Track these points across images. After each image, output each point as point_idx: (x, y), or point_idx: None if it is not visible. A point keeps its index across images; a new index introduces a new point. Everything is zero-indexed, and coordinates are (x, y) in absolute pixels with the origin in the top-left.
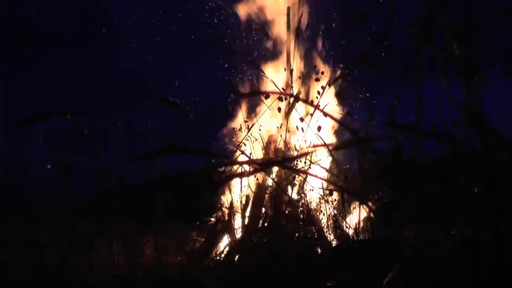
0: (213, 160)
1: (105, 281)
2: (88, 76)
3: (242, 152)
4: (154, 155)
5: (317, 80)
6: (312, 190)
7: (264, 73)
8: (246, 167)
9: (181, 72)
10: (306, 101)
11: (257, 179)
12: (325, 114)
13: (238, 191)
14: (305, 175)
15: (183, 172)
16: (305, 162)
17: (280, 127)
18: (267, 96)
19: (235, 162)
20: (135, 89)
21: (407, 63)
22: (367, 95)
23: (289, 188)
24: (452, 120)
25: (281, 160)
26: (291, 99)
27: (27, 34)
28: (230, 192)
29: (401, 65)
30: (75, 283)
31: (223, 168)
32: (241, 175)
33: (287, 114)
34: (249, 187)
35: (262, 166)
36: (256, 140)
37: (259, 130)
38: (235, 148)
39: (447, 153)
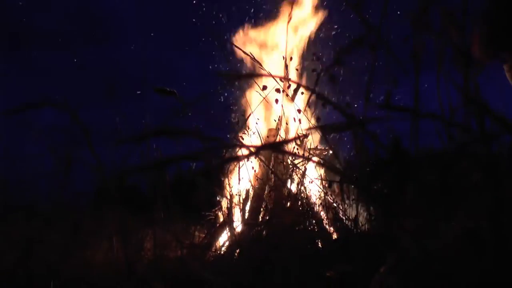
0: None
1: (105, 275)
2: (84, 70)
3: (240, 143)
4: (147, 137)
5: (314, 70)
6: (312, 182)
7: (260, 64)
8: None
9: (176, 64)
10: (307, 87)
11: (255, 171)
12: (322, 100)
13: (238, 185)
14: (303, 164)
15: (177, 155)
16: (303, 154)
17: (279, 119)
18: (264, 88)
19: (230, 145)
20: (129, 82)
21: (405, 50)
22: (365, 78)
23: (289, 181)
24: (450, 107)
25: (277, 143)
26: (291, 86)
27: (23, 29)
28: (230, 185)
29: (399, 52)
30: (75, 277)
31: (219, 152)
32: (237, 158)
33: (292, 99)
34: (249, 180)
35: (257, 149)
36: (254, 133)
37: (256, 123)
38: (232, 138)
39: (446, 142)
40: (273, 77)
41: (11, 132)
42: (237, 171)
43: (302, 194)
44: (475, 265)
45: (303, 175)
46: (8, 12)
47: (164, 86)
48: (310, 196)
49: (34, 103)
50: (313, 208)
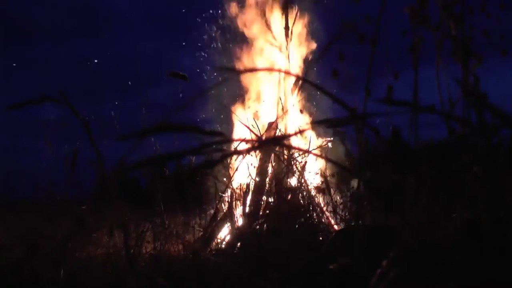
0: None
1: (105, 269)
2: (82, 66)
3: (241, 137)
4: (148, 133)
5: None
6: (312, 174)
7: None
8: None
9: (175, 59)
10: (308, 80)
11: (254, 167)
12: (324, 93)
13: (239, 179)
14: (303, 157)
15: (178, 151)
16: (303, 154)
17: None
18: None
19: (231, 140)
20: (127, 78)
21: (404, 44)
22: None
23: (289, 174)
24: (449, 100)
25: (278, 137)
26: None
27: (21, 24)
28: (231, 179)
29: (398, 46)
30: (77, 272)
31: (220, 146)
32: (239, 152)
33: (292, 93)
34: (250, 174)
35: (259, 143)
36: (254, 127)
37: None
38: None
39: (446, 135)
40: (273, 70)
41: (13, 127)
42: (238, 165)
43: (303, 187)
44: (475, 257)
45: (303, 168)
46: (6, 7)
47: (177, 71)
48: (311, 189)
49: (34, 99)
50: (314, 201)
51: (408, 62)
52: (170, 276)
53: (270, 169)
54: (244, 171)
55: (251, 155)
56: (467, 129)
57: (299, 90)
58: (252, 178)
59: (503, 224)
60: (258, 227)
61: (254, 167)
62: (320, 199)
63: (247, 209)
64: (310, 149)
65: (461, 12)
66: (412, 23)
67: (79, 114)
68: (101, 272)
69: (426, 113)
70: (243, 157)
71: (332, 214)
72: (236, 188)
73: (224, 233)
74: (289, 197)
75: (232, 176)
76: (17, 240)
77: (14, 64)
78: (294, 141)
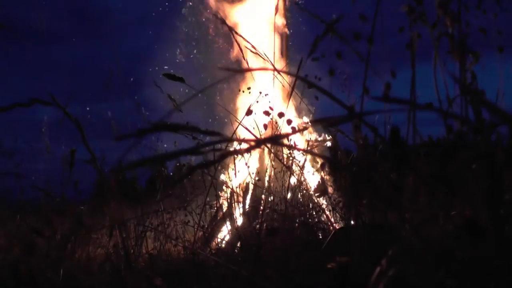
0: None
1: (104, 269)
2: (74, 68)
3: (240, 136)
4: (145, 133)
5: (316, 59)
6: (313, 174)
7: (262, 54)
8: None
9: (168, 59)
10: (304, 79)
11: (248, 167)
12: (323, 92)
13: (238, 178)
14: (303, 155)
15: (175, 151)
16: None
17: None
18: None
19: (229, 139)
20: (121, 80)
21: (401, 41)
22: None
23: (288, 173)
24: (447, 98)
25: (276, 136)
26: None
27: (14, 25)
28: (230, 178)
29: (395, 43)
30: (75, 271)
31: (217, 146)
32: (237, 152)
33: (289, 95)
34: (249, 173)
35: (257, 143)
36: (254, 128)
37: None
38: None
39: (445, 133)
40: (277, 71)
41: (11, 128)
42: (237, 164)
43: (302, 186)
44: (475, 254)
45: (303, 167)
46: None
47: (172, 73)
48: (310, 188)
49: (24, 102)
50: (313, 199)
51: (406, 59)
52: (170, 276)
53: (269, 169)
54: (243, 170)
55: (250, 154)
56: (465, 126)
57: (292, 92)
58: (252, 178)
59: (503, 221)
60: (258, 226)
61: (248, 167)
62: (319, 198)
63: (246, 208)
64: (308, 148)
65: (458, 10)
66: (410, 20)
67: (72, 116)
68: (101, 273)
69: (423, 110)
70: (242, 156)
71: (331, 213)
72: (236, 187)
73: (224, 233)
74: (289, 196)
75: (232, 174)
76: (16, 240)
77: (9, 65)
78: (293, 140)
